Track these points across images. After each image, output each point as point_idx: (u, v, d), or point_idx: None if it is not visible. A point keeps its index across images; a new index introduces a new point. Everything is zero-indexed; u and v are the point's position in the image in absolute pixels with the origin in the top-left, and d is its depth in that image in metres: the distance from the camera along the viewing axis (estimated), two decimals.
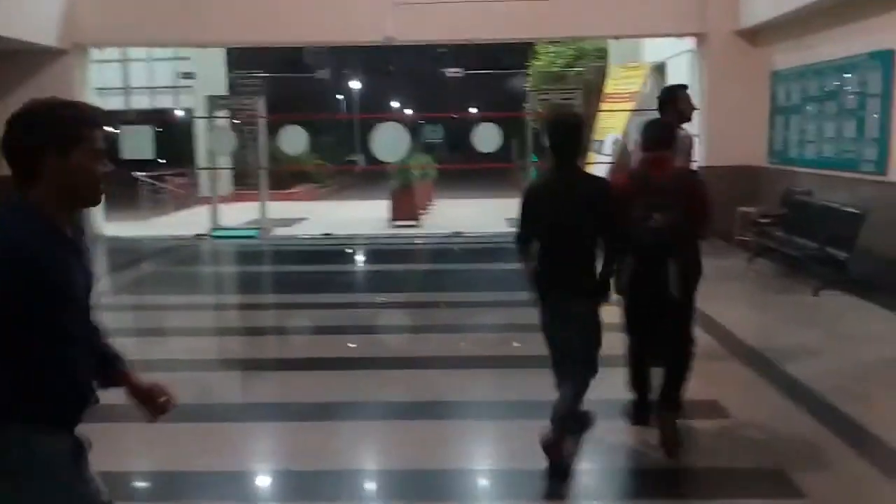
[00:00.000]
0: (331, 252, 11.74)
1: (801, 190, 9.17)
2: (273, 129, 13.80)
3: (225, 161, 14.75)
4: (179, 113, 21.41)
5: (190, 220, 13.36)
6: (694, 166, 5.27)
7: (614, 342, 3.99)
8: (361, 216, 15.12)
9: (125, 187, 15.11)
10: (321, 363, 5.68)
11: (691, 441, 4.04)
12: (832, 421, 4.26)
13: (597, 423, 3.93)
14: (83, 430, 1.92)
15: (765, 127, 10.65)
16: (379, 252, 11.89)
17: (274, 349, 6.53)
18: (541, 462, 3.61)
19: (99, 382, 1.99)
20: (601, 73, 16.54)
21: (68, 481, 1.84)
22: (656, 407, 4.07)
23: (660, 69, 13.80)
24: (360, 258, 11.74)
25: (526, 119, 15.23)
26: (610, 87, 15.45)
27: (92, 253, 1.98)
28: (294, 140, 13.16)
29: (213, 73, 19.45)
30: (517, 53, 22.00)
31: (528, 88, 18.68)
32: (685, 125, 4.94)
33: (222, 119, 14.26)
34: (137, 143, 12.69)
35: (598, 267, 3.75)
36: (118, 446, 3.84)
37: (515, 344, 5.97)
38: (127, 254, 10.86)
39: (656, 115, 4.75)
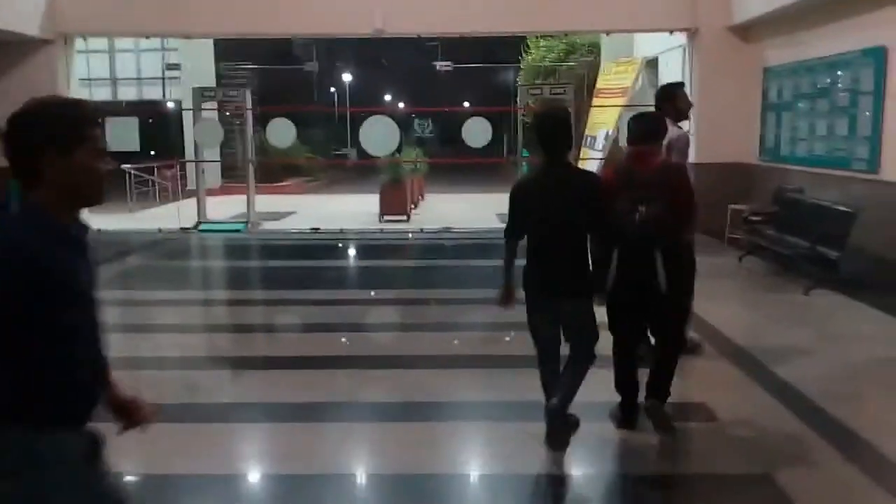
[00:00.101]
0: (319, 247, 11.64)
1: (792, 188, 9.12)
2: (263, 122, 13.67)
3: (212, 154, 14.61)
4: (170, 104, 21.24)
5: (177, 212, 13.23)
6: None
7: (601, 343, 3.92)
8: (351, 210, 15.01)
9: (111, 179, 14.90)
10: (308, 362, 5.59)
11: (679, 445, 3.99)
12: (820, 424, 4.22)
13: (582, 426, 3.88)
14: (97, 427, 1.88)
15: (756, 124, 10.61)
16: (368, 247, 11.78)
17: (258, 347, 6.43)
18: (533, 466, 3.58)
19: None
20: (593, 68, 16.48)
21: (70, 481, 1.80)
22: (644, 400, 4.05)
23: (652, 65, 13.74)
24: (348, 253, 11.64)
25: (517, 113, 15.15)
26: (602, 82, 15.39)
27: (96, 250, 1.96)
28: (282, 133, 13.03)
29: (200, 64, 19.27)
30: (509, 47, 21.90)
31: (519, 83, 18.61)
32: (683, 123, 4.89)
33: (210, 111, 14.11)
34: (123, 135, 12.56)
35: (589, 263, 3.70)
36: None
37: (507, 340, 5.90)
38: (112, 247, 10.72)
39: (646, 109, 4.70)
